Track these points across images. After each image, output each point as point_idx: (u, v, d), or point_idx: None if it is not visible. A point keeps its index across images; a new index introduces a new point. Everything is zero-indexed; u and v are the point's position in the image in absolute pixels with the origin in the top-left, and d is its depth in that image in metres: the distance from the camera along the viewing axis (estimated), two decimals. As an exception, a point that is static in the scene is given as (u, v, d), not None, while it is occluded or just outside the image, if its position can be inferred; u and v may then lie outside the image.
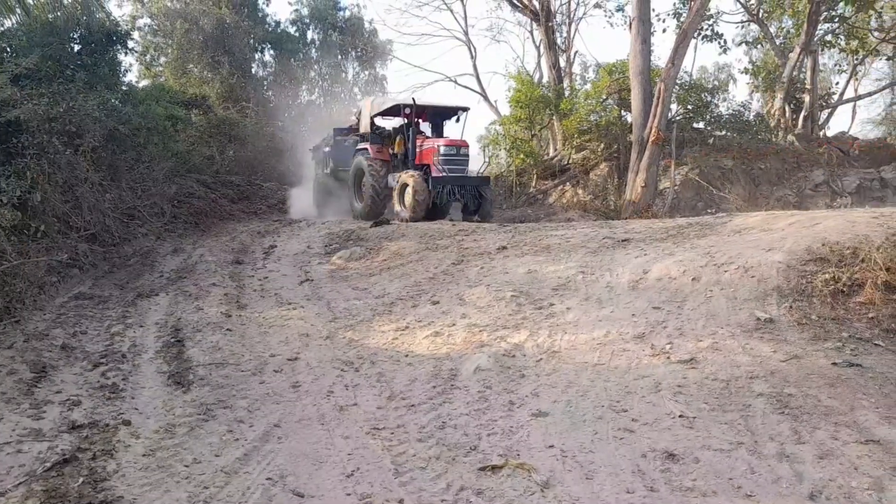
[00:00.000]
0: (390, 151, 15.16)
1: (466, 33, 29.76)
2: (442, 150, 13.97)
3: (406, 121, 14.75)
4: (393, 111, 15.02)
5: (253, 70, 26.11)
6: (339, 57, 28.50)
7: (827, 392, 4.91)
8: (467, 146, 14.64)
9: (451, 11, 29.31)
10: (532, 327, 6.67)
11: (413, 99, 14.83)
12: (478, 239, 10.11)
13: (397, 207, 13.79)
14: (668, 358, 5.71)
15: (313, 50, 28.37)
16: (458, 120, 15.53)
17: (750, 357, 5.56)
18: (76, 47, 12.70)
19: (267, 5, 27.35)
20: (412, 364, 6.00)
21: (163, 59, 25.59)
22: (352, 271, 9.57)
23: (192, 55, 23.82)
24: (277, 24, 27.35)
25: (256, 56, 26.67)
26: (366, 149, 15.20)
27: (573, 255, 8.65)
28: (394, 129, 15.84)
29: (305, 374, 5.85)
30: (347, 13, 28.76)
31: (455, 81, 29.35)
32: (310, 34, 28.28)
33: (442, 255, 9.52)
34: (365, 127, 15.80)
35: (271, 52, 27.11)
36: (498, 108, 26.44)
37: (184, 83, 23.03)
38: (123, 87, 13.78)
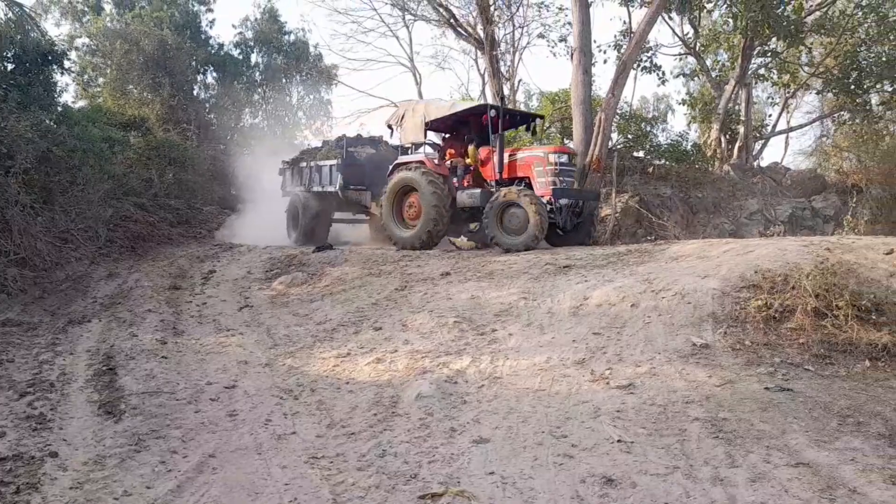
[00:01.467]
0: (448, 164, 12.93)
1: (412, 60, 30.04)
2: (552, 158, 11.87)
3: (488, 126, 12.37)
4: (477, 111, 12.79)
5: (195, 92, 25.77)
6: (284, 81, 28.34)
7: (759, 416, 5.02)
8: (576, 154, 13.22)
9: (397, 38, 29.66)
10: (474, 353, 6.68)
11: (501, 99, 13.70)
12: (421, 265, 10.12)
13: (497, 233, 11.31)
14: (608, 383, 5.77)
15: (257, 73, 28.15)
16: (529, 129, 14.03)
17: (686, 382, 5.66)
18: (9, 66, 12.34)
19: (210, 28, 27.14)
20: (353, 391, 5.93)
21: (101, 80, 25.08)
22: (293, 297, 9.46)
23: (131, 76, 23.38)
24: (221, 46, 27.09)
25: (199, 78, 26.32)
26: (420, 162, 12.61)
27: (516, 281, 8.72)
28: (445, 138, 14.05)
29: (243, 403, 5.73)
30: (292, 37, 28.65)
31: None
32: (254, 57, 28.08)
33: (385, 280, 9.49)
34: (415, 135, 13.11)
35: (214, 74, 26.81)
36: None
37: (122, 104, 22.60)
38: (58, 108, 13.42)
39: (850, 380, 5.83)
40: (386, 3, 27.36)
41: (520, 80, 28.07)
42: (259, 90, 28.23)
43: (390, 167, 13.13)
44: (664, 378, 5.79)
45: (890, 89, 21.17)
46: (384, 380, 6.16)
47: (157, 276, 11.00)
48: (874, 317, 6.66)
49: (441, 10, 23.47)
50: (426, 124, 12.95)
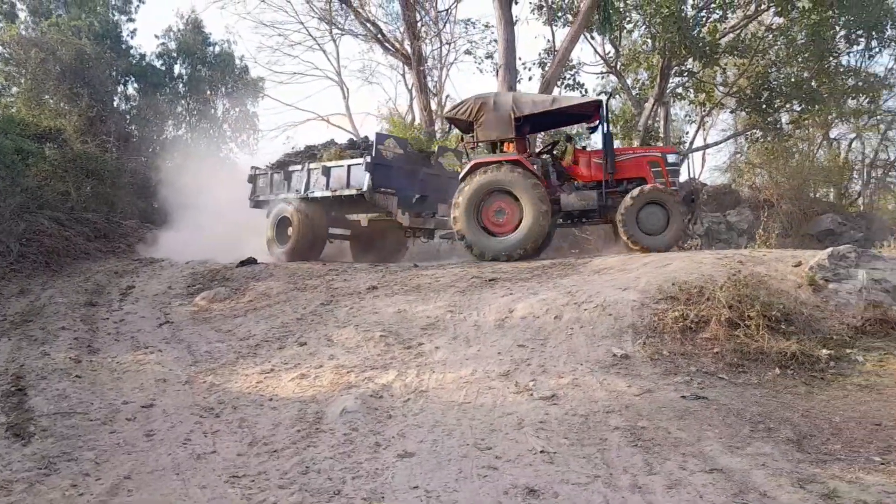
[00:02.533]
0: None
1: (339, 74, 29.93)
2: (670, 158, 11.42)
3: (601, 122, 11.70)
4: (590, 106, 11.99)
5: (115, 103, 25.02)
6: (209, 92, 27.80)
7: (676, 424, 5.18)
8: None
9: (324, 52, 29.43)
10: (401, 367, 6.67)
11: (610, 94, 12.77)
12: (348, 279, 10.06)
13: (636, 233, 10.79)
14: (532, 395, 5.85)
15: (181, 84, 27.55)
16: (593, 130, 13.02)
17: (607, 392, 5.79)
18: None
19: (132, 37, 26.42)
20: (276, 408, 5.85)
21: (14, 90, 24.10)
22: (215, 313, 9.26)
23: (47, 86, 22.52)
24: (142, 56, 26.41)
25: (119, 89, 25.60)
26: (515, 161, 11.35)
27: (442, 295, 8.76)
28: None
29: (161, 422, 5.58)
30: (217, 49, 28.17)
31: (327, 121, 29.38)
32: (177, 68, 27.47)
33: (311, 295, 9.39)
34: (500, 131, 11.74)
35: (135, 85, 26.12)
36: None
37: (37, 115, 21.72)
38: (-33, 118, 12.86)
39: (762, 387, 6.07)
40: (313, 17, 27.23)
41: (447, 96, 28.25)
42: (182, 102, 27.62)
43: (468, 167, 11.74)
44: (586, 388, 5.90)
45: (798, 109, 22.21)
46: (308, 395, 6.09)
47: (73, 292, 10.61)
48: (783, 326, 6.96)
49: (368, 25, 23.50)
50: (516, 119, 11.65)
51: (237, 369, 6.92)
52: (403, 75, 29.36)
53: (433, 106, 24.10)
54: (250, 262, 11.96)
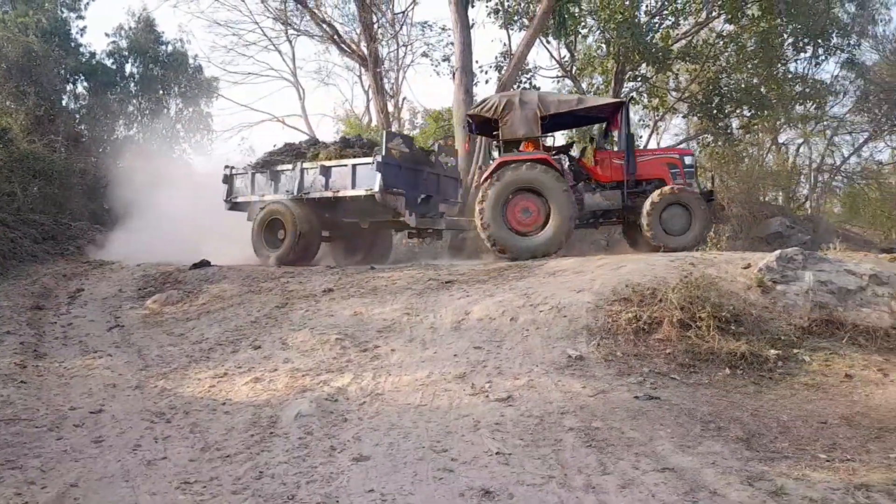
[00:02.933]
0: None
1: (294, 74, 29.72)
2: (687, 160, 11.63)
3: (621, 122, 11.82)
4: (611, 108, 12.20)
5: (64, 102, 24.47)
6: (161, 92, 27.35)
7: (630, 424, 5.24)
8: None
9: (280, 52, 29.13)
10: (356, 370, 6.64)
11: (631, 97, 12.64)
12: (303, 281, 9.97)
13: (651, 237, 11.11)
14: (488, 396, 5.87)
15: (132, 84, 27.05)
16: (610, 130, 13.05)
17: (562, 393, 5.84)
18: None
19: (81, 35, 25.82)
20: (230, 412, 5.76)
21: (-43, 87, 23.40)
22: (168, 316, 9.10)
23: (-8, 84, 21.96)
24: (93, 55, 25.89)
25: (68, 88, 25.06)
26: (542, 160, 11.33)
27: (399, 297, 8.73)
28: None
29: (110, 428, 5.45)
30: (170, 48, 27.73)
31: (283, 122, 29.12)
32: (128, 67, 26.98)
33: (266, 297, 9.29)
34: (527, 129, 11.61)
35: (85, 84, 25.58)
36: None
37: (-18, 113, 21.16)
38: None
39: (712, 387, 6.19)
40: (268, 17, 26.96)
41: (404, 98, 28.30)
42: (134, 101, 27.13)
43: (493, 165, 11.68)
44: (541, 390, 5.94)
45: (748, 114, 22.71)
46: (263, 399, 6.02)
47: (18, 295, 10.32)
48: (733, 327, 7.10)
49: (324, 26, 23.35)
50: (542, 118, 11.62)
51: (189, 373, 6.81)
52: (360, 77, 29.36)
53: (390, 108, 24.08)
54: (203, 264, 11.78)
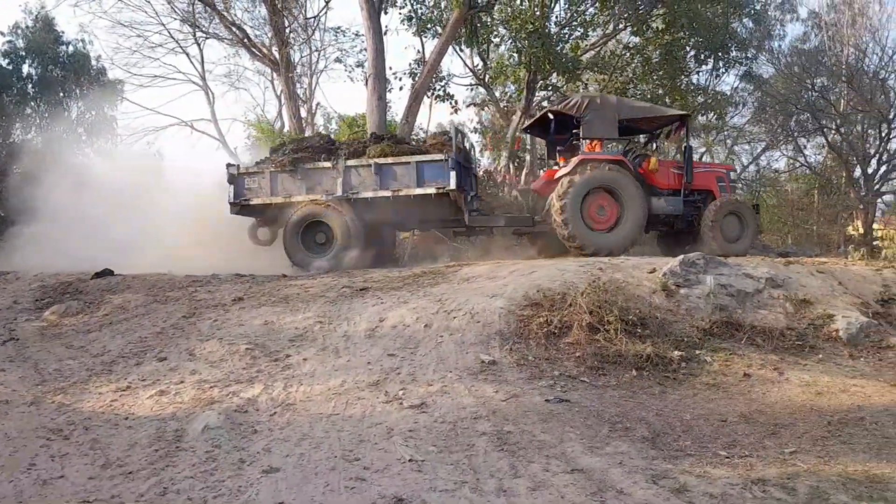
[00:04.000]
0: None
1: (203, 78, 28.93)
2: (731, 175, 12.60)
3: (685, 133, 12.71)
4: (675, 118, 12.88)
5: (-46, 104, 23.13)
6: (62, 94, 26.16)
7: (541, 427, 5.33)
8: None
9: (188, 55, 28.28)
10: (267, 380, 6.50)
11: (695, 110, 12.81)
12: (212, 290, 9.70)
13: (714, 244, 11.64)
14: (401, 404, 5.85)
15: (30, 85, 25.78)
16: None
17: (474, 398, 5.88)
18: None
19: (-27, 34, 24.49)
20: (132, 427, 5.54)
21: None
22: (67, 328, 8.68)
23: None
24: (-14, 55, 24.58)
25: (-41, 89, 23.68)
26: (619, 162, 12.04)
27: (312, 305, 8.61)
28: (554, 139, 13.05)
29: (2, 447, 5.16)
30: (71, 48, 26.56)
31: (192, 126, 28.36)
32: (26, 68, 25.70)
33: (172, 307, 8.99)
34: (605, 130, 12.15)
35: (-23, 85, 24.24)
36: (238, 156, 25.92)
37: None
38: None
39: (620, 388, 6.36)
40: (175, 19, 26.15)
41: (318, 104, 28.01)
42: (32, 104, 25.86)
43: (575, 162, 11.94)
44: (455, 395, 5.97)
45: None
46: (168, 413, 5.82)
47: None
48: (640, 330, 7.33)
49: (234, 29, 22.86)
50: (619, 122, 12.15)
51: (90, 388, 6.51)
52: (272, 81, 28.87)
53: (303, 113, 23.80)
54: (106, 273, 11.31)
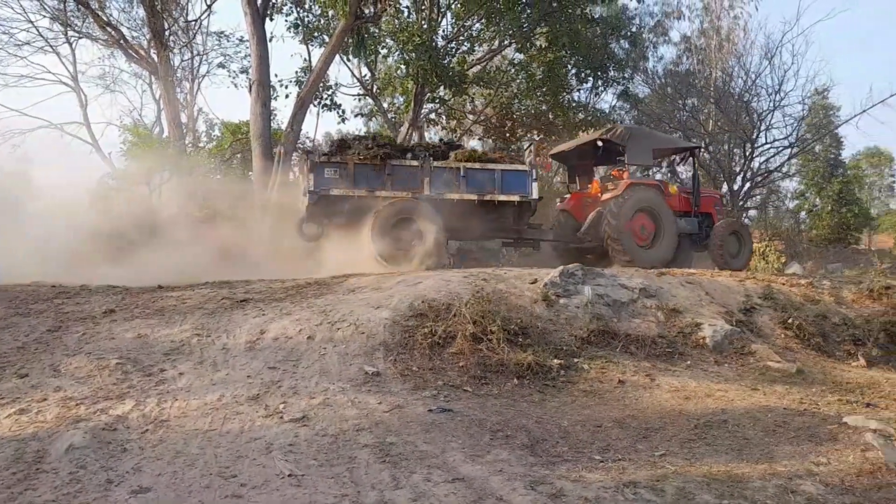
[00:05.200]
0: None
1: (75, 79, 27.49)
2: (723, 201, 14.41)
3: (694, 162, 15.41)
4: (686, 149, 15.29)
5: None
6: (-85, 92, 24.24)
7: (423, 437, 5.33)
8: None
9: (58, 55, 26.77)
10: (139, 396, 6.20)
11: (702, 143, 14.54)
12: (81, 302, 9.18)
13: (720, 260, 13.64)
14: (282, 417, 5.72)
15: None
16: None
17: (357, 410, 5.83)
18: None
19: None
20: (-12, 449, 5.16)
21: None
22: (-86, 344, 8.00)
23: None
24: None
25: None
26: (658, 186, 13.87)
27: (189, 317, 8.30)
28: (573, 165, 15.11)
29: None
30: (-74, 43, 24.66)
31: (62, 129, 26.87)
32: None
33: (36, 320, 8.44)
34: (643, 158, 14.14)
35: None
36: (112, 161, 24.77)
37: None
38: None
39: (501, 397, 6.47)
40: (44, 17, 24.70)
41: (200, 109, 27.18)
42: None
43: (625, 185, 13.32)
44: (337, 408, 5.89)
45: (538, 138, 24.20)
46: (28, 433, 5.45)
47: None
48: (521, 339, 7.49)
49: (109, 29, 21.85)
50: (653, 151, 14.11)
51: (-60, 408, 6.02)
52: (150, 85, 27.77)
53: (183, 118, 23.01)
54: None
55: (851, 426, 5.94)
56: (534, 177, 12.89)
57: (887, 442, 5.56)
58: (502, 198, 12.72)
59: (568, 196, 15.50)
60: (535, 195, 12.79)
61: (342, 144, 13.03)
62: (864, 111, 25.86)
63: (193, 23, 24.90)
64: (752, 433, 5.79)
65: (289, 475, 4.68)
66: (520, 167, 12.97)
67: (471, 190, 12.67)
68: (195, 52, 26.09)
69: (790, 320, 9.27)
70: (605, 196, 13.68)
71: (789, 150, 28.46)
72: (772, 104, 27.20)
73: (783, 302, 9.97)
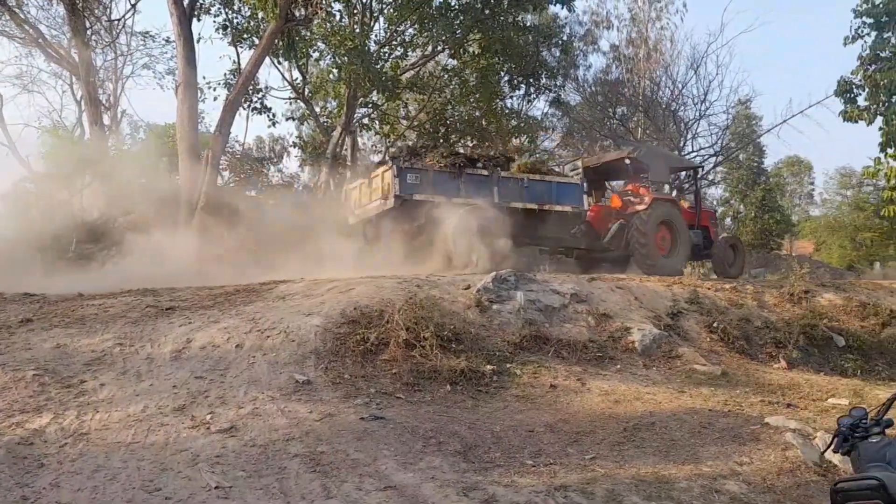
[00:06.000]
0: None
1: (-9, 78, 26.34)
2: (716, 215, 16.29)
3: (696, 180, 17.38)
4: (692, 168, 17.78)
5: None
6: None
7: (355, 446, 5.27)
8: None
9: (-29, 52, 25.58)
10: (58, 409, 5.94)
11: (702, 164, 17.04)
12: (-5, 311, 8.78)
13: (721, 269, 15.28)
14: (209, 428, 5.57)
15: None
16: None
17: (287, 419, 5.72)
18: None
19: None
20: None
21: None
22: None
23: None
24: None
25: None
26: (674, 202, 15.53)
27: (111, 326, 8.02)
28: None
29: None
30: None
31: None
32: None
33: (-54, 331, 8.03)
34: (662, 176, 15.95)
35: None
36: (30, 165, 23.83)
37: None
38: None
39: (434, 404, 6.45)
40: (-47, 13, 23.55)
41: (123, 111, 26.32)
42: None
43: (650, 200, 14.46)
44: (267, 417, 5.78)
45: (471, 144, 24.34)
46: (-64, 450, 5.16)
47: None
48: (454, 345, 7.50)
49: (27, 27, 21.00)
50: (669, 169, 16.02)
51: None
52: (71, 86, 26.79)
53: (106, 120, 22.29)
54: None
55: (773, 426, 6.14)
56: (585, 189, 14.20)
57: (806, 441, 5.77)
58: (557, 208, 13.81)
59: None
60: (585, 206, 14.09)
61: (413, 152, 14.13)
62: (784, 121, 26.78)
63: (117, 22, 24.14)
64: (678, 435, 5.92)
65: (216, 487, 4.56)
66: (573, 180, 14.38)
67: (532, 199, 13.67)
68: (119, 53, 25.33)
69: (715, 324, 9.55)
70: (630, 209, 14.73)
71: (714, 157, 29.36)
72: (698, 113, 28.04)
73: (709, 306, 10.26)
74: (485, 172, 13.57)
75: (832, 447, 4.02)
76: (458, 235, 12.70)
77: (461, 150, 16.27)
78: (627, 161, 15.07)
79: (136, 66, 27.21)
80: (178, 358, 7.07)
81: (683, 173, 18.66)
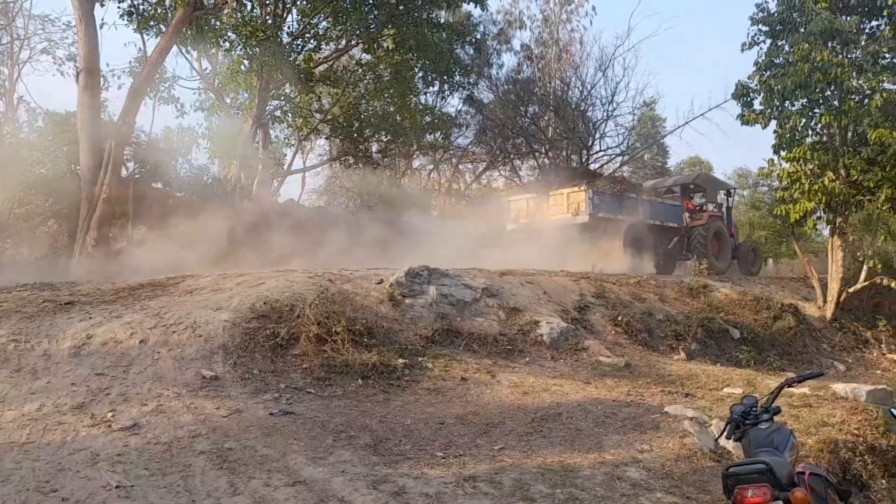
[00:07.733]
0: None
1: None
2: (737, 228, 20.28)
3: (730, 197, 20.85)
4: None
5: None
6: None
7: (263, 442, 5.20)
8: None
9: None
10: (-56, 409, 5.63)
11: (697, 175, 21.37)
12: None
13: (745, 268, 18.73)
14: (110, 426, 5.39)
15: None
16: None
17: (193, 416, 5.59)
18: None
19: None
20: None
21: None
22: None
23: None
24: None
25: None
26: (720, 217, 18.96)
27: (5, 322, 7.62)
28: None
29: None
30: None
31: None
32: None
33: None
34: (711, 197, 19.67)
35: None
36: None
37: None
38: None
39: (346, 398, 6.43)
40: None
41: (20, 97, 24.96)
42: None
43: (706, 216, 18.17)
44: (171, 414, 5.63)
45: (385, 139, 24.28)
46: None
47: None
48: (366, 339, 7.48)
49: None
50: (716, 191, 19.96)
51: None
52: (-37, 71, 25.24)
53: (1, 107, 21.15)
54: None
55: (672, 415, 6.40)
56: (685, 209, 18.33)
57: (702, 429, 6.05)
58: (670, 224, 17.90)
59: None
60: (684, 223, 17.99)
61: (591, 175, 19.22)
62: (686, 123, 27.81)
63: (12, 4, 22.92)
64: (583, 424, 6.10)
65: (116, 486, 4.41)
66: (677, 202, 18.63)
67: (657, 217, 17.61)
68: (15, 36, 23.99)
69: (620, 318, 9.85)
70: (693, 223, 18.26)
71: (621, 157, 30.20)
72: (605, 114, 28.76)
73: (614, 300, 10.59)
74: (633, 196, 17.68)
75: (725, 434, 4.25)
76: (626, 244, 16.43)
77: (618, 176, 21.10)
78: (692, 186, 19.35)
79: (34, 50, 25.87)
80: (78, 354, 6.80)
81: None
